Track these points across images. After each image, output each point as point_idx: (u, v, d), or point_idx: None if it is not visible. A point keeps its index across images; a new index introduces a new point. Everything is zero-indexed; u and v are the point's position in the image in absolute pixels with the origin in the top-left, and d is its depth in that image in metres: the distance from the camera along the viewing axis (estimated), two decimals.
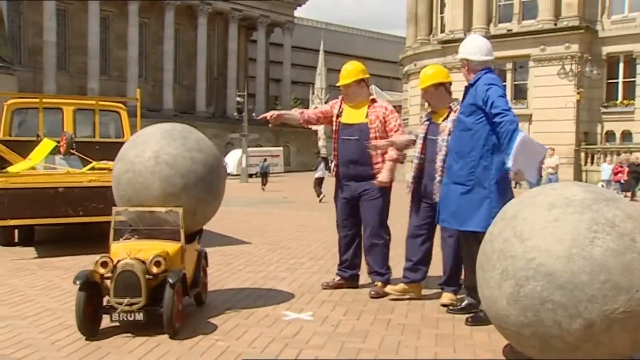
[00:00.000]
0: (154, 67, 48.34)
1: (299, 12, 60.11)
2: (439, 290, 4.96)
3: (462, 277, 4.68)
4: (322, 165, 19.16)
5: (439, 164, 4.72)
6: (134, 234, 4.27)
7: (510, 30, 31.82)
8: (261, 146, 45.49)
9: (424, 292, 5.08)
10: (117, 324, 3.94)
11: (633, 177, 20.94)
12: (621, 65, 30.21)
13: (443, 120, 4.84)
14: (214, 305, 4.72)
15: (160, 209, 4.22)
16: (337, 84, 5.31)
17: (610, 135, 30.47)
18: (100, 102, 9.35)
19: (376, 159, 5.10)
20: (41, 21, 41.37)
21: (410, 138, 5.05)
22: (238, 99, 41.59)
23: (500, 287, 3.17)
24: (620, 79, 30.28)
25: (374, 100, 5.31)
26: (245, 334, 4.00)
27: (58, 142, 7.94)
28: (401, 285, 5.00)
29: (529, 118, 30.20)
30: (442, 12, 35.96)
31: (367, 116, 5.16)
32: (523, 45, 30.74)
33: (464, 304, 4.53)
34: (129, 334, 3.88)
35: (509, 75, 30.83)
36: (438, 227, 4.89)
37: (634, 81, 29.41)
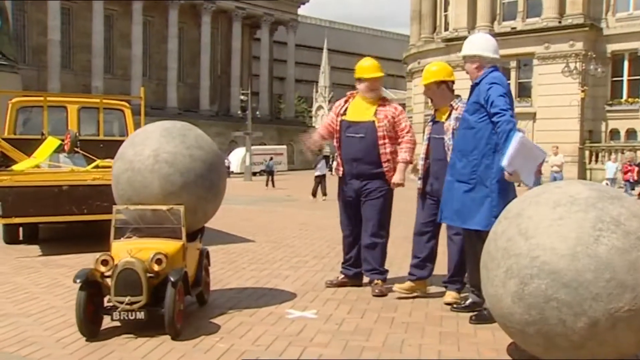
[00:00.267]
0: (158, 66, 48.40)
1: (302, 10, 60.10)
2: (443, 288, 4.96)
3: (466, 275, 4.67)
4: (322, 164, 19.12)
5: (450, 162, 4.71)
6: (135, 233, 4.24)
7: (515, 28, 31.75)
8: (265, 144, 45.51)
9: (428, 290, 5.08)
10: (118, 324, 3.93)
11: None
12: (626, 63, 30.11)
13: (446, 119, 4.84)
14: (217, 304, 4.73)
15: (162, 207, 4.19)
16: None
17: (614, 134, 30.38)
18: (105, 101, 9.37)
19: (384, 157, 5.08)
20: (45, 20, 41.45)
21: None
22: (242, 97, 41.63)
23: (505, 285, 3.16)
24: (625, 77, 30.18)
25: (384, 99, 5.29)
26: (249, 332, 4.00)
27: (62, 140, 7.96)
28: (408, 283, 5.00)
29: (533, 116, 30.15)
30: (446, 10, 35.90)
31: (375, 114, 5.13)
32: (527, 43, 30.66)
33: (468, 302, 4.52)
34: (132, 335, 3.87)
35: (513, 74, 30.77)
36: (443, 225, 4.89)
37: (639, 79, 29.30)
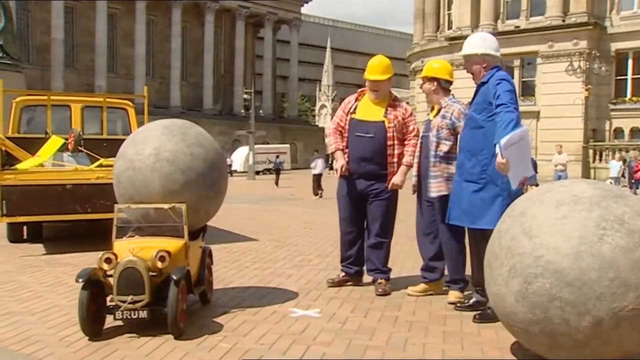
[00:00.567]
0: (161, 65, 48.47)
1: (305, 9, 60.12)
2: (447, 287, 4.95)
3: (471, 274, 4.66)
4: (319, 162, 19.29)
5: (431, 160, 4.75)
6: (137, 232, 4.23)
7: (518, 26, 31.71)
8: (268, 143, 45.52)
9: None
10: (121, 323, 3.93)
11: None
12: (630, 62, 30.05)
13: (434, 117, 4.86)
14: (220, 302, 4.73)
15: (163, 206, 4.18)
16: (369, 78, 5.10)
17: (618, 132, 30.32)
18: (108, 100, 9.38)
19: (390, 158, 5.04)
20: (49, 19, 41.55)
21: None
22: (245, 96, 41.66)
23: (508, 284, 3.15)
24: (629, 76, 30.12)
25: (396, 99, 5.23)
26: (252, 330, 4.00)
27: (66, 139, 7.97)
28: (422, 285, 5.01)
29: (536, 115, 30.11)
30: (449, 9, 35.88)
31: (385, 114, 5.07)
32: (531, 42, 30.63)
33: (471, 301, 4.52)
34: (134, 334, 3.87)
35: (516, 72, 30.73)
36: None
37: None
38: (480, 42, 4.42)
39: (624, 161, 22.29)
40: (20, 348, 3.64)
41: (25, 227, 8.09)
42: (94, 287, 3.82)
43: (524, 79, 31.44)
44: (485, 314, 4.21)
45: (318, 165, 19.12)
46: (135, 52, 45.45)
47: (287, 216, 12.39)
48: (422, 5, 37.68)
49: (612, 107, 30.25)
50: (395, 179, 5.07)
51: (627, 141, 28.88)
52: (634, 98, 29.74)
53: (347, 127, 5.18)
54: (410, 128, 5.13)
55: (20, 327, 4.05)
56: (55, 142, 7.87)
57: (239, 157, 40.73)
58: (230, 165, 34.22)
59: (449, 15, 35.90)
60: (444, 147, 4.73)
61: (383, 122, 5.06)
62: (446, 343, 3.80)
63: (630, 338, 2.98)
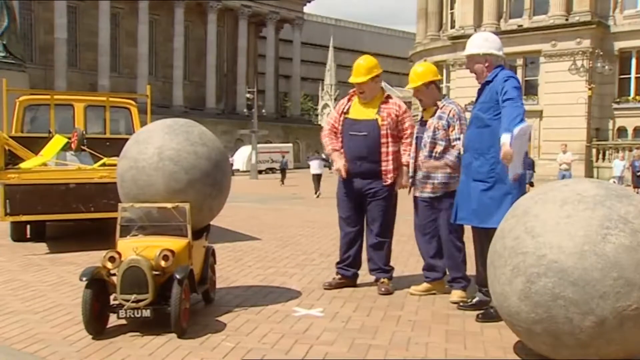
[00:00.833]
0: (164, 64, 48.54)
1: (308, 8, 60.17)
2: (450, 286, 4.94)
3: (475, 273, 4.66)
4: (317, 161, 19.45)
5: (421, 159, 4.77)
6: (141, 231, 4.23)
7: (521, 25, 31.66)
8: (271, 142, 45.56)
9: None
10: (124, 322, 3.94)
11: None
12: (634, 61, 29.97)
13: (430, 117, 4.86)
14: (224, 301, 4.73)
15: (167, 205, 4.18)
16: (351, 81, 5.12)
17: (622, 131, 30.25)
18: (111, 99, 9.39)
19: (384, 156, 5.03)
20: (52, 19, 41.65)
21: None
22: (248, 95, 41.66)
23: (512, 283, 3.15)
24: (633, 75, 30.05)
25: (388, 97, 5.20)
26: (255, 330, 4.00)
27: (69, 138, 7.99)
28: (424, 285, 5.00)
29: (539, 114, 30.05)
30: (452, 8, 35.84)
31: (378, 112, 5.06)
32: (534, 41, 30.57)
33: (475, 300, 4.51)
34: (138, 333, 3.88)
35: (519, 71, 30.67)
36: None
37: None
38: (482, 42, 4.42)
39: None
40: (24, 347, 3.65)
41: (28, 226, 8.10)
42: (98, 286, 3.83)
43: (527, 78, 31.37)
44: (488, 313, 4.20)
45: (314, 166, 19.30)
46: (138, 52, 45.53)
47: (290, 215, 12.40)
48: (425, 5, 37.64)
49: (615, 106, 30.19)
50: (400, 181, 5.07)
51: (631, 140, 28.81)
52: (637, 97, 29.66)
53: (341, 127, 5.18)
54: (406, 125, 5.09)
55: (24, 326, 4.06)
56: (58, 141, 7.89)
57: (242, 157, 40.78)
58: (231, 165, 34.38)
59: (452, 14, 35.87)
60: (439, 147, 4.74)
61: (376, 120, 5.03)
62: (449, 342, 3.80)
63: (634, 337, 2.97)
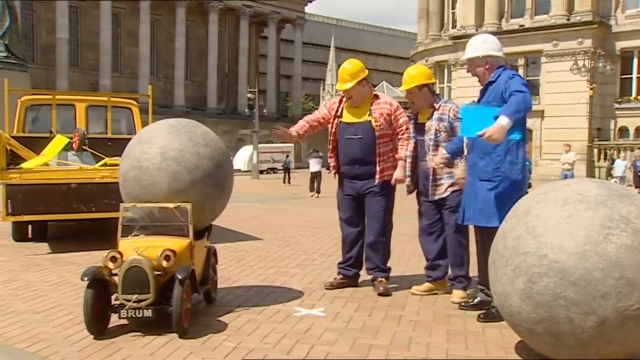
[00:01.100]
0: (166, 64, 48.57)
1: (309, 8, 60.16)
2: (451, 284, 4.94)
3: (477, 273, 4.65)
4: (315, 160, 19.53)
5: (430, 163, 4.74)
6: (142, 231, 4.23)
7: (523, 25, 31.65)
8: (272, 142, 45.53)
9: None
10: (125, 322, 3.94)
11: None
12: (635, 61, 29.95)
13: (428, 119, 4.85)
14: (225, 301, 4.73)
15: (169, 205, 4.19)
16: (338, 88, 5.10)
17: (623, 131, 30.22)
18: (112, 99, 9.40)
19: (378, 157, 4.98)
20: (54, 19, 41.68)
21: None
22: (249, 95, 41.62)
23: (513, 283, 3.15)
24: (635, 74, 30.02)
25: (376, 96, 5.16)
26: (257, 330, 4.00)
27: (71, 138, 8.00)
28: (426, 285, 5.00)
29: (541, 114, 30.04)
30: (453, 8, 35.82)
31: (370, 114, 5.03)
32: (535, 41, 30.56)
33: (476, 300, 4.51)
34: (139, 332, 3.88)
35: (521, 71, 30.61)
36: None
37: None
38: (481, 44, 4.41)
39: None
40: (26, 346, 3.65)
41: (30, 226, 8.11)
42: (99, 285, 3.83)
43: (528, 78, 31.21)
44: (489, 313, 4.20)
45: (313, 164, 19.40)
46: (139, 52, 45.56)
47: (291, 215, 12.40)
48: (426, 4, 37.62)
49: (617, 106, 30.16)
50: (397, 174, 5.02)
51: (632, 140, 28.78)
52: (638, 97, 29.63)
53: (335, 130, 5.17)
54: (400, 122, 5.06)
55: (26, 326, 4.06)
56: (60, 141, 7.90)
57: (243, 157, 40.78)
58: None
59: (453, 14, 35.85)
60: (443, 149, 4.73)
61: (369, 121, 5.01)
62: (450, 342, 3.80)
63: (635, 338, 2.97)
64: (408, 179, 5.00)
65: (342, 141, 5.13)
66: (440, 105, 4.85)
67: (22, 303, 4.71)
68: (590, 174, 26.99)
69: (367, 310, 4.51)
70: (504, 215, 4.03)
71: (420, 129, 4.90)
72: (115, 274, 3.88)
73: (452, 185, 4.73)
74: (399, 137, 5.09)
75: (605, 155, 28.31)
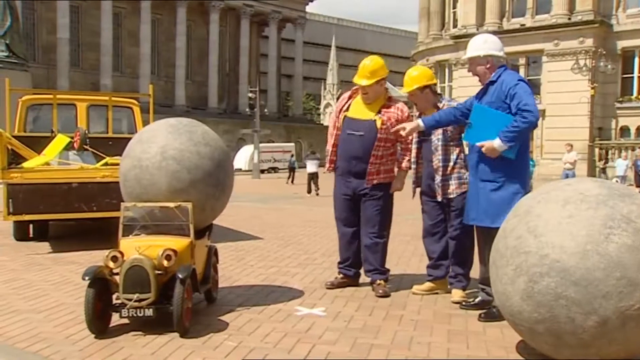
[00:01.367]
0: (166, 64, 48.56)
1: (310, 8, 60.14)
2: (451, 283, 4.94)
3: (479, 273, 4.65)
4: (313, 161, 19.61)
5: (438, 164, 4.72)
6: (143, 230, 4.23)
7: (524, 25, 31.61)
8: (273, 142, 45.53)
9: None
10: (126, 321, 3.95)
11: None
12: (636, 60, 29.90)
13: None
14: (226, 301, 4.74)
15: (169, 204, 4.19)
16: (355, 82, 5.03)
17: (624, 131, 30.18)
18: (113, 98, 9.41)
19: (373, 159, 4.92)
20: (55, 18, 41.69)
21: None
22: (250, 94, 41.64)
23: (514, 283, 3.15)
24: (636, 74, 29.97)
25: (390, 99, 5.12)
26: (258, 329, 4.00)
27: (72, 138, 8.00)
28: (427, 284, 5.00)
29: (542, 114, 29.93)
30: (454, 7, 35.78)
31: (378, 114, 4.98)
32: (536, 40, 30.52)
33: (477, 300, 4.51)
34: (140, 332, 3.89)
35: (522, 71, 30.63)
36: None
37: None
38: (481, 44, 4.41)
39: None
40: (27, 346, 3.65)
41: (31, 226, 8.12)
42: (100, 285, 3.83)
43: (529, 78, 31.22)
44: (490, 312, 4.20)
45: (310, 165, 19.55)
46: (140, 51, 45.55)
47: (291, 215, 12.40)
48: (427, 4, 37.59)
49: (618, 105, 30.11)
50: (396, 184, 5.02)
51: (634, 140, 28.75)
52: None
53: (339, 125, 5.11)
54: None
55: (27, 325, 4.07)
56: (61, 140, 7.90)
57: (244, 156, 40.79)
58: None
59: (454, 13, 35.81)
60: (453, 149, 4.73)
61: (374, 120, 4.95)
62: (451, 342, 3.80)
63: (637, 338, 2.97)
64: (412, 184, 5.00)
65: (344, 136, 5.07)
66: (444, 105, 4.83)
67: (23, 302, 4.72)
68: (592, 173, 26.96)
69: (368, 310, 4.51)
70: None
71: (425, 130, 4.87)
72: (116, 274, 3.88)
73: (459, 186, 4.71)
74: (402, 146, 5.04)
75: (607, 154, 28.28)
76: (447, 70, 35.60)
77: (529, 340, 3.32)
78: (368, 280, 5.17)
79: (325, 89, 65.66)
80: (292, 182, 25.67)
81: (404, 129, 4.64)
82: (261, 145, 37.09)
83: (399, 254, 6.84)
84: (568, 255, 2.96)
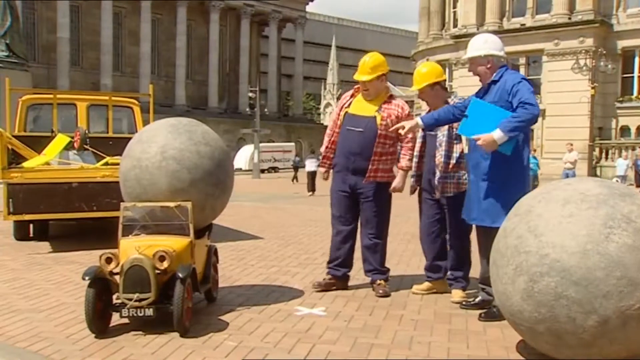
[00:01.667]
0: (167, 63, 48.56)
1: (310, 8, 60.13)
2: (450, 284, 4.94)
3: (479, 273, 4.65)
4: (312, 160, 19.69)
5: (440, 159, 4.71)
6: (143, 230, 4.22)
7: (524, 24, 31.62)
8: (273, 142, 45.53)
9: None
10: (127, 321, 3.95)
11: None
12: (637, 60, 29.91)
13: None
14: (226, 300, 4.74)
15: (169, 204, 4.19)
16: (356, 78, 5.03)
17: (625, 130, 30.19)
18: (114, 98, 9.41)
19: (374, 156, 4.90)
20: (55, 18, 41.69)
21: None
22: (250, 94, 41.67)
23: (514, 282, 3.15)
24: (636, 74, 29.98)
25: (391, 97, 5.12)
26: (258, 328, 4.01)
27: (72, 137, 8.00)
28: (426, 284, 4.99)
29: (542, 113, 29.95)
30: (454, 7, 35.80)
31: (378, 111, 4.97)
32: (536, 40, 30.54)
33: (477, 299, 4.50)
34: (141, 331, 3.89)
35: (522, 70, 30.61)
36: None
37: None
38: (482, 44, 4.41)
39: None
40: (28, 345, 3.66)
41: (31, 225, 8.12)
42: (100, 285, 3.84)
43: (529, 77, 31.21)
44: (490, 312, 4.20)
45: (309, 164, 19.63)
46: (140, 51, 45.55)
47: (292, 214, 12.39)
48: (428, 4, 37.60)
49: (618, 105, 30.13)
50: (396, 184, 4.96)
51: (634, 139, 28.75)
52: None
53: (340, 121, 5.09)
54: None
55: (28, 325, 4.07)
56: (61, 140, 7.91)
57: (244, 156, 40.82)
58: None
59: (455, 13, 35.83)
60: (456, 146, 4.72)
61: (374, 117, 4.93)
62: (451, 342, 3.80)
63: (637, 337, 2.97)
64: (413, 179, 4.98)
65: (343, 132, 5.05)
66: (454, 102, 4.79)
67: (24, 302, 4.72)
68: (592, 173, 26.97)
69: (368, 310, 4.51)
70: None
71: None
72: (117, 273, 3.89)
73: (458, 186, 4.69)
74: (403, 145, 5.02)
75: (607, 154, 28.29)
76: (447, 70, 35.57)
77: (530, 340, 3.32)
78: (368, 280, 5.16)
79: (325, 88, 65.69)
80: (297, 180, 25.91)
81: (402, 127, 4.64)
82: (261, 145, 37.11)
83: (399, 254, 6.84)
84: (568, 254, 2.97)
